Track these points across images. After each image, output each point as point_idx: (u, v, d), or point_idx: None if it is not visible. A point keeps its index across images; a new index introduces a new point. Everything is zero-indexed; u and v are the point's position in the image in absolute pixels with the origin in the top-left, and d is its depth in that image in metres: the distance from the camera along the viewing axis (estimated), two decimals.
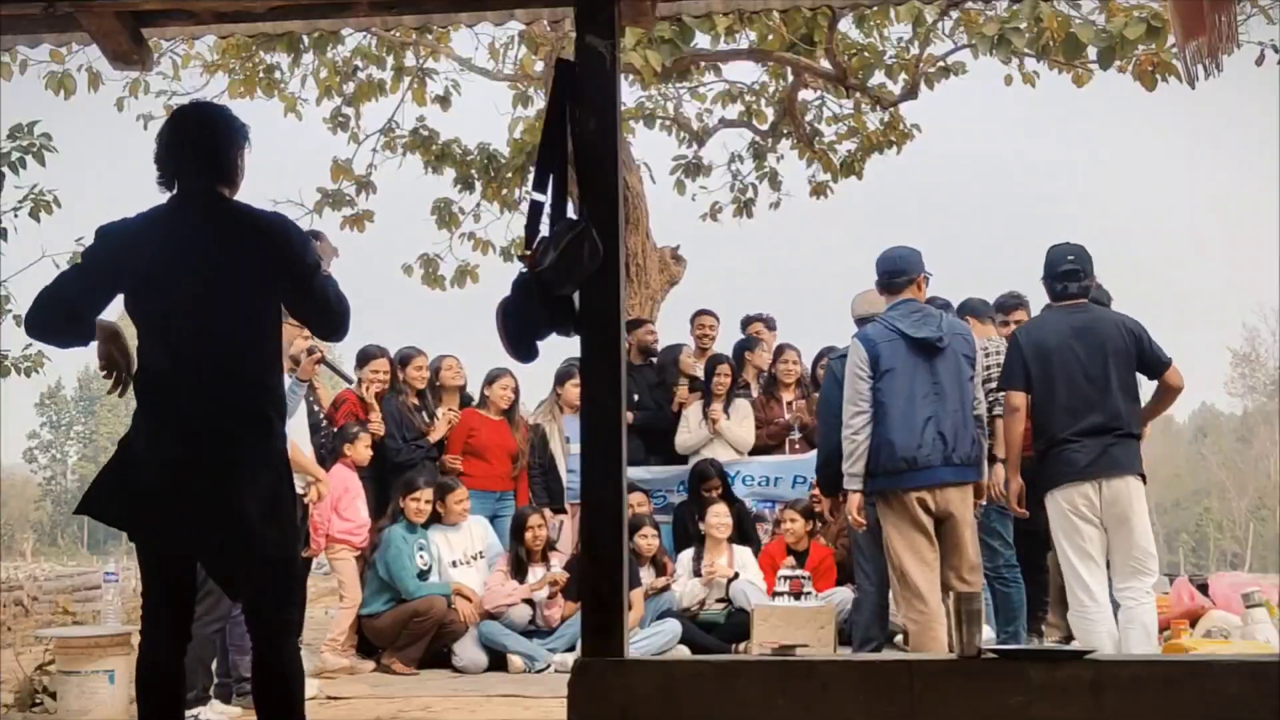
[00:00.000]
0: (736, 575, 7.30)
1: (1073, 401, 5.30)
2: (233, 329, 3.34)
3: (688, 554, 7.50)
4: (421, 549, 7.11)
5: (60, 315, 3.36)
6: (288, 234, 3.43)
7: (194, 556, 3.36)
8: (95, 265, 3.37)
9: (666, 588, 7.15)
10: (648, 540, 7.20)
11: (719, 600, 7.34)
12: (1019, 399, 5.45)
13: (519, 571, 7.15)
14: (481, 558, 7.36)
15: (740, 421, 8.08)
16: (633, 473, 7.57)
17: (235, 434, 3.29)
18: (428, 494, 7.15)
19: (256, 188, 3.65)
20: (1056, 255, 5.50)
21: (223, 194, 3.42)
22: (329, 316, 3.52)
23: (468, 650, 6.93)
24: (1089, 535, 5.28)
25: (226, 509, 3.24)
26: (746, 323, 9.07)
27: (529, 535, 7.15)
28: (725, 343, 8.84)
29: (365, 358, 7.51)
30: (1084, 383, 5.31)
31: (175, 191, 3.40)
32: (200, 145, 3.40)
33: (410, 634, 6.83)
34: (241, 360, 3.34)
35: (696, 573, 7.36)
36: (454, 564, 7.24)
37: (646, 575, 7.18)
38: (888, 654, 6.55)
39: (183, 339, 3.30)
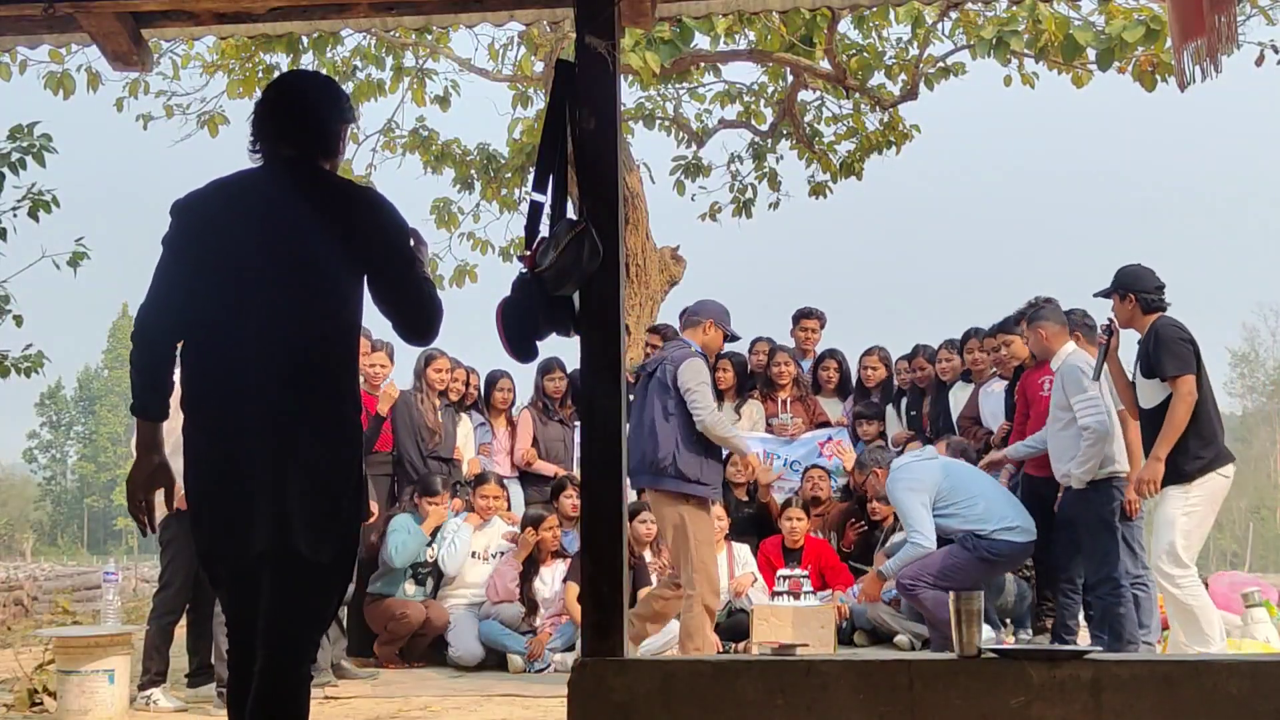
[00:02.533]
0: (755, 580, 7.34)
1: (1212, 392, 5.76)
2: (312, 303, 3.01)
3: None
4: (431, 544, 7.17)
5: (172, 324, 3.03)
6: (384, 209, 3.14)
7: (249, 565, 2.97)
8: (179, 249, 3.05)
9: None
10: (646, 526, 7.21)
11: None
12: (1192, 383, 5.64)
13: (530, 569, 7.17)
14: (501, 557, 7.36)
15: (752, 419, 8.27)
16: None
17: (303, 431, 2.94)
18: (446, 496, 7.23)
19: None
20: (1144, 270, 5.90)
21: (317, 161, 3.15)
22: (419, 314, 3.15)
23: (464, 643, 6.98)
24: None
25: (277, 507, 2.90)
26: (798, 318, 8.91)
27: (548, 536, 7.17)
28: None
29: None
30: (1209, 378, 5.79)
31: (267, 159, 3.15)
32: (298, 112, 3.14)
33: (390, 633, 7.01)
34: (318, 343, 3.01)
35: None
36: (473, 555, 7.27)
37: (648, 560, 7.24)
38: (888, 654, 6.57)
39: (251, 310, 2.97)
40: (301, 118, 3.14)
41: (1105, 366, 6.08)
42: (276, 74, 10.36)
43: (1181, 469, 5.60)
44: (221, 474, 2.97)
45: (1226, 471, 5.65)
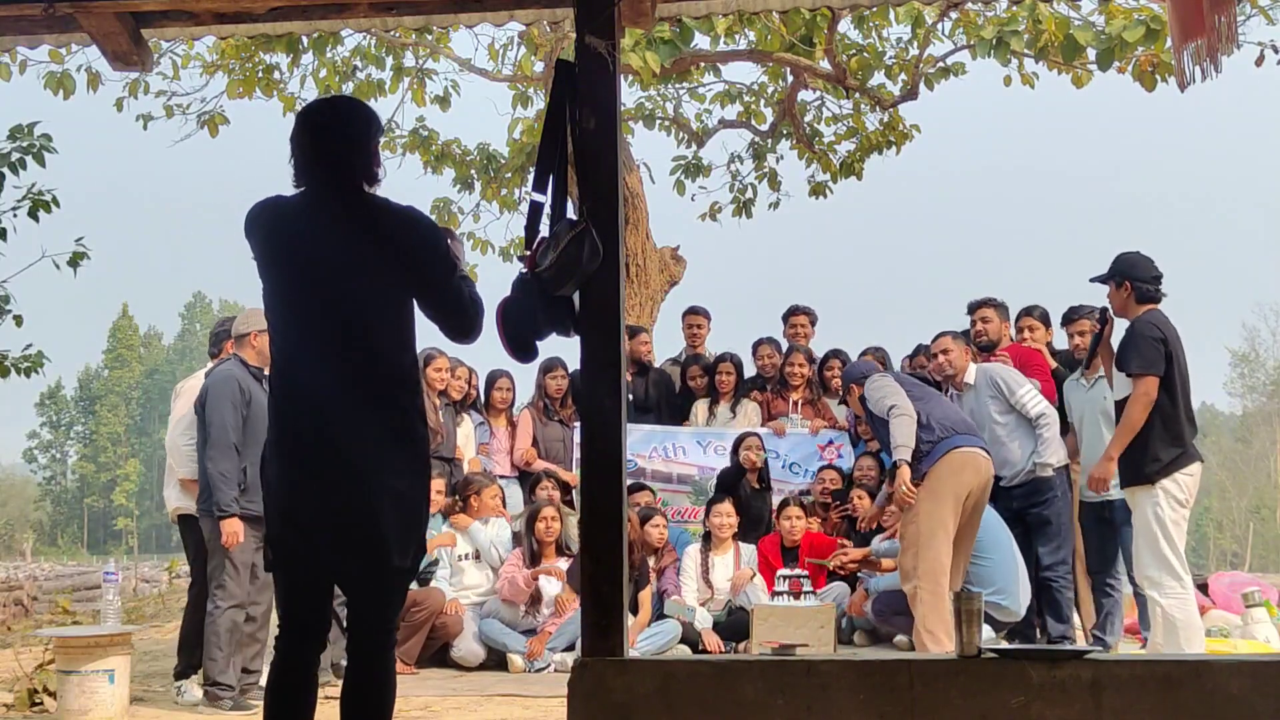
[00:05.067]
0: (753, 576, 7.35)
1: (1187, 394, 5.60)
2: (367, 323, 3.24)
3: (694, 549, 7.51)
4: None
5: None
6: (418, 225, 3.33)
7: (326, 569, 3.28)
8: (261, 256, 3.32)
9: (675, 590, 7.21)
10: (659, 530, 7.23)
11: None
12: (1152, 384, 5.51)
13: (533, 563, 7.16)
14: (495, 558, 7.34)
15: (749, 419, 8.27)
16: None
17: (371, 440, 3.20)
18: (439, 484, 7.21)
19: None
20: (1142, 259, 5.71)
21: (360, 186, 3.34)
22: (460, 317, 3.39)
23: (464, 643, 6.96)
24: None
25: (357, 516, 3.17)
26: (788, 315, 8.91)
27: (540, 526, 7.17)
28: (721, 343, 8.89)
29: None
30: (1188, 379, 5.63)
31: (309, 186, 3.33)
32: (333, 144, 3.31)
33: (408, 626, 6.82)
34: (378, 359, 3.24)
35: (705, 577, 7.38)
36: (462, 558, 7.26)
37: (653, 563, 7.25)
38: (888, 654, 6.57)
39: (313, 333, 3.23)
40: (341, 151, 3.31)
41: (1098, 355, 6.04)
42: (286, 80, 10.37)
43: (1143, 471, 5.47)
44: (305, 488, 3.20)
45: (1191, 470, 5.48)
